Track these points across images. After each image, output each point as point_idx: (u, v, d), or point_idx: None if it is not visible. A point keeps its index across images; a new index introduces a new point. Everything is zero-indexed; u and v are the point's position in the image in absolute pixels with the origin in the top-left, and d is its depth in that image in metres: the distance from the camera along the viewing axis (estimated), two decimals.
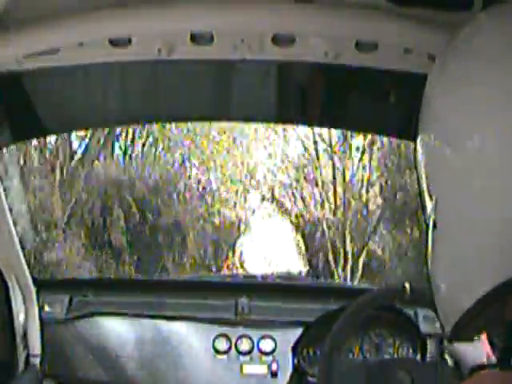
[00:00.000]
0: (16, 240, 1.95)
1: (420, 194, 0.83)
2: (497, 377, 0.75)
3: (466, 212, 0.73)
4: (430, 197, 0.79)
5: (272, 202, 13.46)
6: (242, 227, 13.30)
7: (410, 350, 2.03)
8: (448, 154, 0.75)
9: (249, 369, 2.14)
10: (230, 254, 13.07)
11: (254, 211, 13.47)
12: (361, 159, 12.71)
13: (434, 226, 0.78)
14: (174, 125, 11.75)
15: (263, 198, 13.50)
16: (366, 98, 1.74)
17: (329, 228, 12.52)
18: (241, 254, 13.25)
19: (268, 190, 13.40)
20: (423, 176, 0.81)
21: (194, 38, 1.41)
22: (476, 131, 0.73)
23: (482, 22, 0.81)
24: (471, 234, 0.72)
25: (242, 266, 12.87)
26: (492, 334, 0.89)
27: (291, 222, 13.26)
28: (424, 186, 0.81)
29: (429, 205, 0.79)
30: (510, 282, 0.69)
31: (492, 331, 0.86)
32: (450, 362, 1.94)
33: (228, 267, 12.69)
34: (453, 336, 0.79)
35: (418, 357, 2.01)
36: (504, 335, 0.80)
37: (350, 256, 12.24)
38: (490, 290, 0.70)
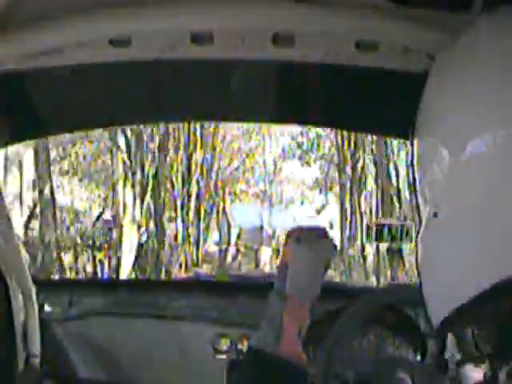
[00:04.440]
0: (16, 240, 1.95)
1: (414, 193, 0.83)
2: None
3: (465, 212, 0.73)
4: (426, 196, 0.79)
5: None
6: None
7: (411, 350, 2.03)
8: (445, 154, 0.75)
9: None
10: None
11: None
12: None
13: (428, 225, 0.78)
14: None
15: None
16: (365, 98, 1.74)
17: None
18: None
19: None
20: (419, 175, 0.81)
21: (194, 38, 1.41)
22: (475, 133, 0.73)
23: (483, 25, 0.81)
24: (469, 234, 0.72)
25: None
26: (480, 335, 0.89)
27: None
28: (419, 184, 0.81)
29: (424, 205, 0.79)
30: (505, 283, 0.68)
31: (481, 330, 0.86)
32: (450, 362, 1.94)
33: None
34: (440, 330, 0.80)
35: (418, 357, 2.01)
36: (494, 338, 0.80)
37: None
38: (486, 289, 0.69)
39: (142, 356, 2.16)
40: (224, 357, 2.15)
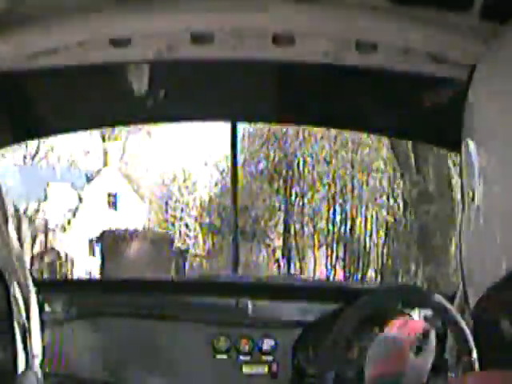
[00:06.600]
0: (16, 240, 1.95)
1: (461, 192, 0.86)
2: (480, 377, 0.77)
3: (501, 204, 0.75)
4: (473, 195, 0.81)
5: None
6: None
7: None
8: (495, 156, 0.77)
9: (249, 369, 2.14)
10: None
11: None
12: None
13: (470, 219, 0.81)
14: None
15: None
16: (365, 98, 1.74)
17: None
18: None
19: None
20: (468, 178, 0.83)
21: (194, 38, 1.41)
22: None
23: None
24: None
25: None
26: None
27: None
28: (467, 186, 0.83)
29: (470, 202, 0.82)
30: None
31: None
32: (450, 362, 1.94)
33: None
34: (476, 313, 0.82)
35: None
36: None
37: None
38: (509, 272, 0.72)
39: (141, 356, 2.16)
40: (224, 357, 2.15)
